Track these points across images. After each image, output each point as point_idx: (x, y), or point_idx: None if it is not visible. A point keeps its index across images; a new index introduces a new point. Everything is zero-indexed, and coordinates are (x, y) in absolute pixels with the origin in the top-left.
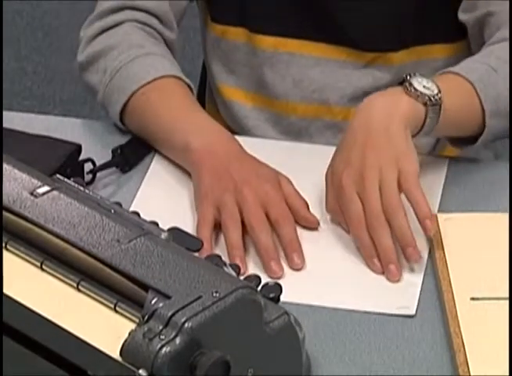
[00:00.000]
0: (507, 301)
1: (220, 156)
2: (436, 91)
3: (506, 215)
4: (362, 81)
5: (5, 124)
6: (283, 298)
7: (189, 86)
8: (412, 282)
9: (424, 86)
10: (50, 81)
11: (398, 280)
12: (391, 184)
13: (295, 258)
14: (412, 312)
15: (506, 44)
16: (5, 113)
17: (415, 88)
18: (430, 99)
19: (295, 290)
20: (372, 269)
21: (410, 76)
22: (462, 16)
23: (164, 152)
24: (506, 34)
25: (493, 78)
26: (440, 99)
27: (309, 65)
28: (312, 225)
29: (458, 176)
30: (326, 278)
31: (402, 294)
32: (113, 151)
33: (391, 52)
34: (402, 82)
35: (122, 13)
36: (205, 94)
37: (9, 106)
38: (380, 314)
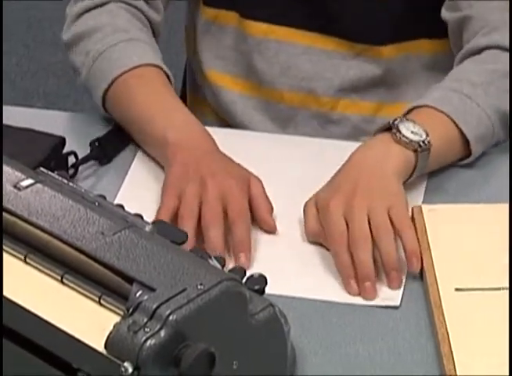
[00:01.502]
0: (492, 292)
1: (193, 151)
2: (424, 135)
3: (490, 206)
4: (350, 72)
5: None
6: (268, 290)
7: (168, 77)
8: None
9: (412, 132)
10: (34, 74)
11: (372, 298)
12: (381, 210)
13: (242, 258)
14: (397, 303)
15: (478, 58)
16: None
17: (404, 136)
18: (420, 146)
19: (280, 282)
20: (347, 290)
21: (397, 121)
22: (444, 13)
23: (141, 143)
24: (481, 42)
25: (468, 106)
26: (429, 143)
27: (297, 53)
28: (270, 230)
29: (441, 168)
30: (311, 270)
31: (386, 286)
32: (91, 144)
33: (380, 45)
34: (390, 129)
35: None
36: (186, 86)
37: None
38: (364, 306)
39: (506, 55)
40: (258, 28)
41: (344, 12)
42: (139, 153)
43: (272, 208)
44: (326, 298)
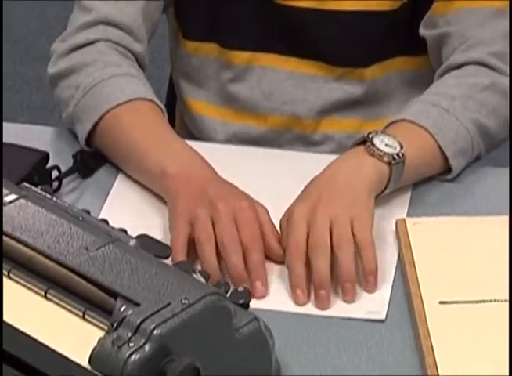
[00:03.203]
0: (476, 305)
1: (196, 180)
2: (398, 148)
3: (474, 219)
4: (332, 94)
5: None
6: (252, 304)
7: (161, 110)
8: (382, 287)
9: (386, 144)
10: (19, 89)
11: (325, 308)
12: (344, 220)
13: (258, 286)
14: (383, 317)
15: (457, 73)
16: None
17: (378, 148)
18: (394, 158)
19: (265, 296)
20: (294, 301)
21: (372, 135)
22: (422, 31)
23: (136, 176)
24: (460, 58)
25: (447, 119)
26: (403, 155)
27: (281, 79)
28: (278, 259)
29: (425, 180)
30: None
31: (371, 299)
32: (74, 156)
33: (362, 67)
34: (364, 142)
35: (95, 29)
36: (174, 106)
37: None
38: (350, 319)
39: (486, 70)
40: (241, 57)
41: (324, 36)
42: (121, 173)
43: (279, 236)
44: (311, 312)
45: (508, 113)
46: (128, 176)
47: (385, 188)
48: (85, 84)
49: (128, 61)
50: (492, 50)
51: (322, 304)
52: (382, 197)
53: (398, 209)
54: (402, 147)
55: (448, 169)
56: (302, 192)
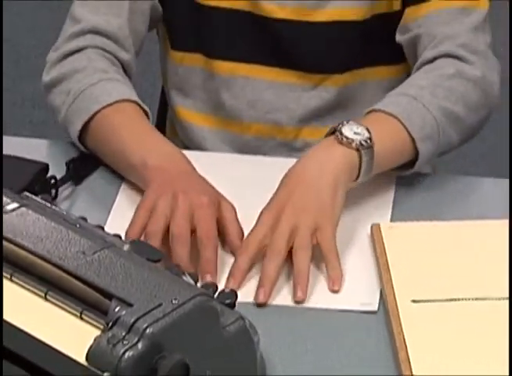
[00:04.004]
0: (446, 303)
1: (170, 172)
2: (367, 134)
3: (446, 224)
4: (311, 102)
5: None
6: (243, 298)
7: (145, 112)
8: (373, 280)
9: (355, 132)
10: (21, 104)
11: (264, 301)
12: (305, 229)
13: (208, 279)
14: (375, 308)
15: (428, 67)
16: None
17: (346, 137)
18: (362, 144)
19: (254, 289)
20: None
21: (342, 124)
22: (398, 37)
23: (120, 170)
24: (430, 54)
25: (415, 106)
26: (371, 140)
27: (263, 88)
28: (236, 254)
29: (407, 189)
30: (285, 277)
31: (364, 292)
32: (67, 164)
33: (336, 74)
34: (334, 131)
35: (84, 38)
36: (165, 117)
37: None
38: (341, 311)
39: (454, 60)
40: (225, 67)
41: (302, 46)
42: (124, 183)
43: (242, 234)
44: (304, 304)
45: (478, 100)
46: (130, 189)
47: (358, 175)
48: (75, 89)
49: (114, 68)
50: (459, 42)
51: (259, 299)
52: (366, 202)
53: (382, 213)
54: (370, 134)
55: (417, 155)
56: (273, 196)
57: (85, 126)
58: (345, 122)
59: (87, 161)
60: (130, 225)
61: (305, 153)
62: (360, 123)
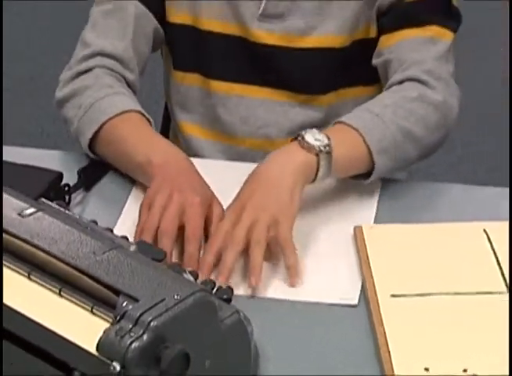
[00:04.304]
0: (422, 297)
1: (171, 170)
2: (326, 141)
3: (421, 225)
4: (298, 117)
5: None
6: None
7: (148, 120)
8: (354, 276)
9: (316, 139)
10: (38, 119)
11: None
12: (262, 226)
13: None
14: (355, 302)
15: (395, 88)
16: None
17: (307, 142)
18: (321, 150)
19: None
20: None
21: (305, 131)
22: (373, 61)
23: (128, 171)
24: (398, 77)
25: (376, 123)
26: (330, 146)
27: (254, 105)
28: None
29: (389, 195)
30: (274, 271)
31: (345, 286)
32: (78, 172)
33: (320, 95)
34: (297, 137)
35: (93, 60)
36: (168, 130)
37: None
38: (323, 304)
39: (418, 85)
40: (220, 86)
41: (288, 69)
42: (134, 188)
43: None
44: (287, 297)
45: (438, 122)
46: (139, 194)
47: (316, 176)
48: (86, 103)
49: (119, 83)
50: (425, 68)
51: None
52: (352, 205)
53: (366, 215)
54: (329, 141)
55: (371, 169)
56: (241, 187)
57: (95, 135)
58: (308, 129)
59: (96, 169)
60: (137, 224)
61: (269, 155)
62: (322, 130)
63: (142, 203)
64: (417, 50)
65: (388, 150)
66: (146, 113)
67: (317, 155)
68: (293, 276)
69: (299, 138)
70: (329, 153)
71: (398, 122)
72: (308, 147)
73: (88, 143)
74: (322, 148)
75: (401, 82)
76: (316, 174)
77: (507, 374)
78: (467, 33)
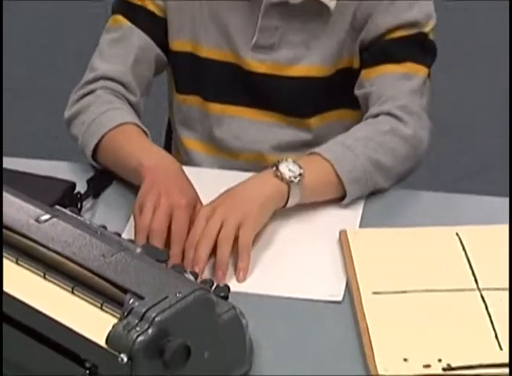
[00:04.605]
0: (401, 294)
1: (160, 172)
2: (298, 171)
3: (403, 230)
4: (286, 136)
5: (21, 169)
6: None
7: (144, 131)
8: (338, 275)
9: (289, 169)
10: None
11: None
12: (230, 225)
13: None
14: (340, 298)
15: (370, 121)
16: (19, 159)
17: (281, 172)
18: (292, 180)
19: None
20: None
21: (280, 161)
22: (355, 91)
23: (124, 175)
24: (375, 110)
25: (348, 155)
26: (301, 176)
27: (246, 125)
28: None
29: (374, 201)
30: (265, 268)
31: (331, 284)
32: (88, 182)
33: (306, 118)
34: (273, 166)
35: (98, 82)
36: (171, 145)
37: (19, 154)
38: (308, 300)
39: (391, 119)
40: (216, 108)
41: (277, 94)
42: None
43: None
44: (277, 293)
45: (408, 154)
46: None
47: (286, 202)
48: (88, 120)
49: (119, 100)
50: (398, 104)
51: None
52: (339, 211)
53: (352, 219)
54: (301, 172)
55: (345, 195)
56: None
57: (97, 147)
58: (284, 160)
59: (103, 178)
60: (135, 227)
61: (245, 179)
62: (295, 161)
63: (134, 203)
64: (393, 85)
65: (359, 179)
66: (141, 125)
67: (288, 184)
68: (240, 279)
69: (274, 167)
70: (299, 183)
71: (369, 154)
72: (281, 176)
73: (92, 154)
74: (293, 178)
75: (376, 116)
76: (287, 201)
77: (477, 363)
78: (467, 33)
